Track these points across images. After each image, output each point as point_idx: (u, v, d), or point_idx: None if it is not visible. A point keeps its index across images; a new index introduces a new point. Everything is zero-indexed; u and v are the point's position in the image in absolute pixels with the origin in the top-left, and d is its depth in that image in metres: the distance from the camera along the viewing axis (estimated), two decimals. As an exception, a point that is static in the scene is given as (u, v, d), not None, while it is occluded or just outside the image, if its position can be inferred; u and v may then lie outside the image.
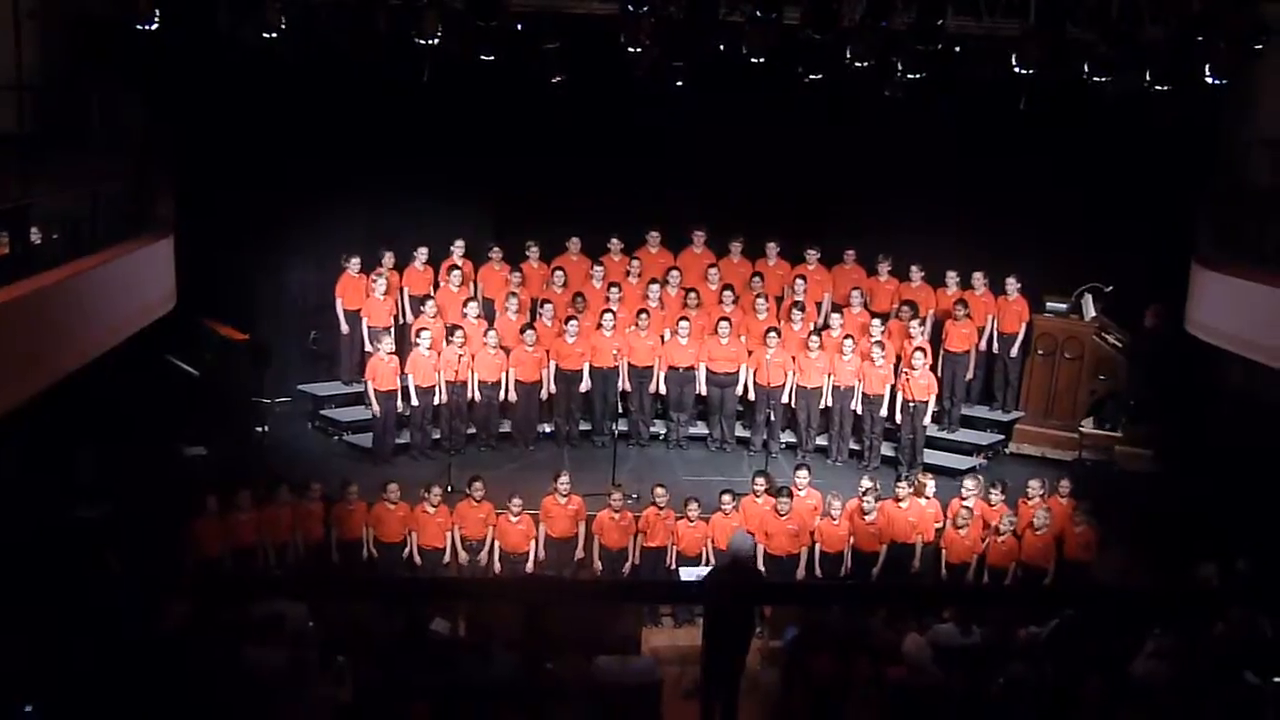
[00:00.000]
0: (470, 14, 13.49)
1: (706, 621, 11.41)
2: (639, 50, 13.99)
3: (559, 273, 16.94)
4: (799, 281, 16.91)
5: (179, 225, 15.50)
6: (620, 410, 16.34)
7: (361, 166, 16.61)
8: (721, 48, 14.32)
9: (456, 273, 16.70)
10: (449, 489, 14.31)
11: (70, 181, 13.76)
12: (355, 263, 16.59)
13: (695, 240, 17.43)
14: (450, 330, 15.89)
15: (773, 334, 16.05)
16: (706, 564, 13.73)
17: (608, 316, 16.20)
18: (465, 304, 16.26)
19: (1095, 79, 14.20)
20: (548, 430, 16.63)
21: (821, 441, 16.54)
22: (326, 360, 17.17)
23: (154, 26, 13.01)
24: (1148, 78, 14.17)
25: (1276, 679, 9.87)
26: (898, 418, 15.96)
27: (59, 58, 14.10)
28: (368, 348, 16.31)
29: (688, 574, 13.47)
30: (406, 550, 13.86)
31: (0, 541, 11.58)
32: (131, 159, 15.20)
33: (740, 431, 16.79)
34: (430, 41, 13.55)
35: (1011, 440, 17.06)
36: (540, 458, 16.12)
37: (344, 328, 16.70)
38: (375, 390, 15.57)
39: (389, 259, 16.68)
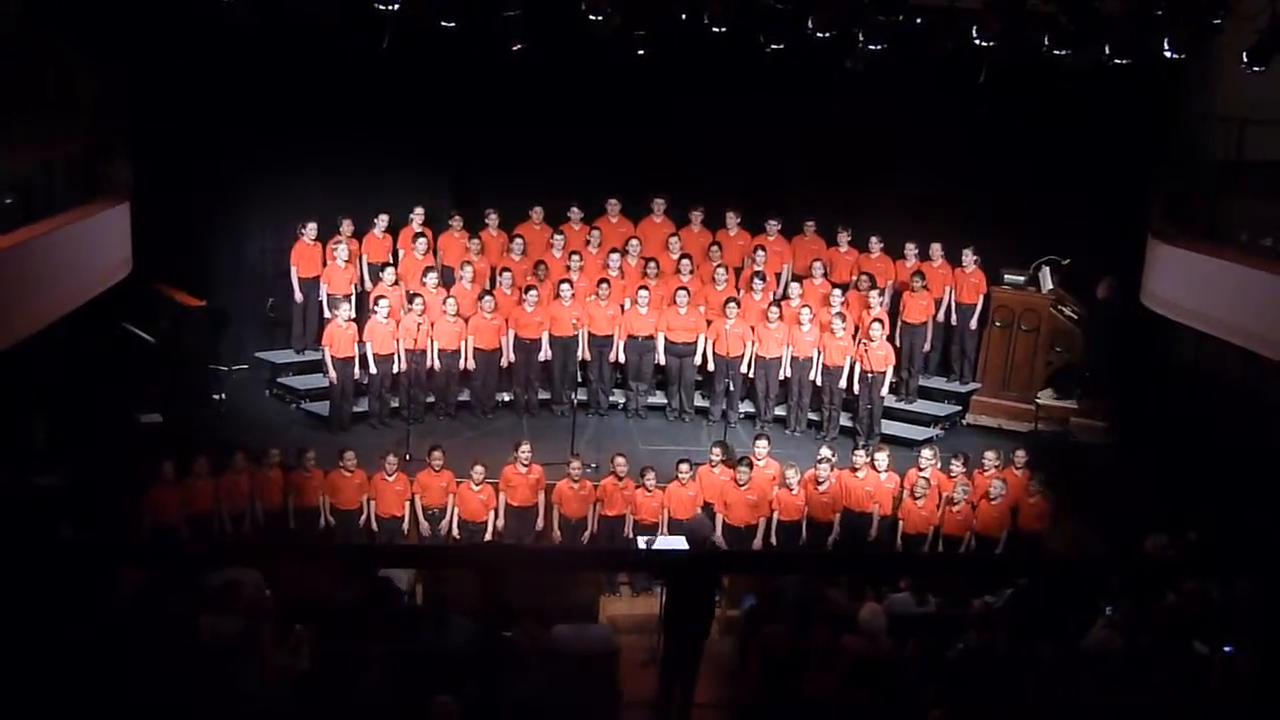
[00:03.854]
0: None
1: (667, 601, 11.47)
2: (601, 18, 13.92)
3: (517, 241, 16.89)
4: (759, 252, 16.92)
5: (135, 190, 15.35)
6: (579, 379, 16.34)
7: (320, 133, 16.45)
8: (684, 16, 14.28)
9: (423, 240, 16.63)
10: (407, 457, 14.28)
11: (24, 146, 13.59)
12: (311, 229, 16.48)
13: (655, 210, 17.42)
14: (409, 298, 15.84)
15: (732, 304, 16.07)
16: (664, 534, 13.78)
17: (566, 286, 16.18)
18: (425, 272, 16.18)
19: (1055, 52, 14.27)
20: (507, 399, 16.60)
21: (780, 412, 16.59)
22: (284, 328, 17.05)
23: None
24: (1107, 51, 14.24)
25: (1226, 649, 10.01)
26: (855, 388, 16.02)
27: (12, 21, 13.91)
28: (326, 315, 16.23)
29: (645, 543, 13.51)
30: (363, 518, 13.84)
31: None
32: (87, 123, 15.04)
33: (699, 401, 16.82)
34: (390, 7, 13.44)
35: (968, 411, 17.16)
36: (499, 426, 16.11)
37: (298, 296, 16.61)
38: (333, 357, 15.49)
39: (348, 226, 16.58)
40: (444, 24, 14.27)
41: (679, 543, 13.35)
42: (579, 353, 16.33)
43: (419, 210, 16.86)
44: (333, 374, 15.56)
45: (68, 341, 14.02)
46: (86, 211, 14.19)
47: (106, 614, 9.98)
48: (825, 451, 14.41)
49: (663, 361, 16.52)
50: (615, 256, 16.70)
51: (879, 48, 14.56)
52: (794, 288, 16.60)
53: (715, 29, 14.03)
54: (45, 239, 12.89)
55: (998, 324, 17.07)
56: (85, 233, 14.04)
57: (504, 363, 16.29)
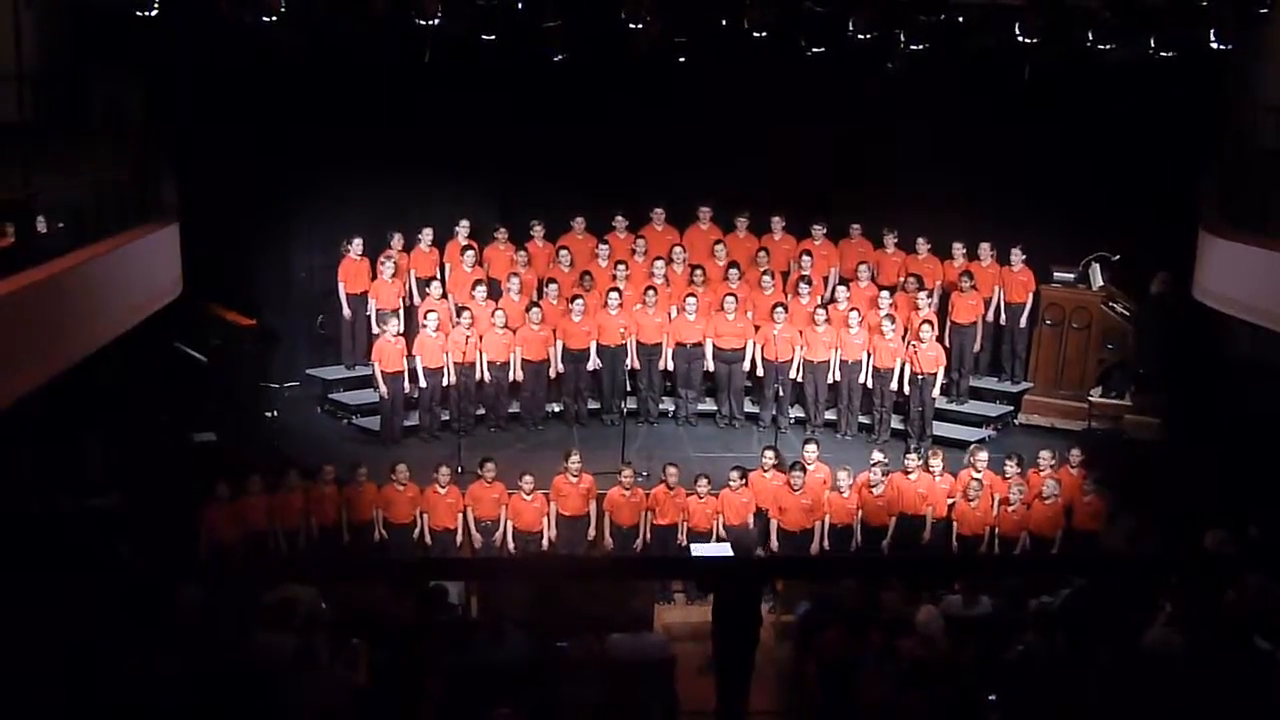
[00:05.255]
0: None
1: (713, 609, 11.46)
2: (640, 25, 13.94)
3: (564, 252, 16.91)
4: (805, 256, 16.87)
5: (184, 211, 15.47)
6: (629, 388, 16.34)
7: (365, 149, 16.53)
8: (724, 22, 14.27)
9: (470, 253, 16.69)
10: (459, 470, 14.32)
11: (73, 170, 13.73)
12: (357, 245, 16.57)
13: (701, 216, 17.39)
14: (458, 311, 15.90)
15: (779, 309, 16.03)
16: (717, 540, 13.75)
17: (614, 295, 16.19)
18: (473, 285, 16.24)
19: (1099, 46, 14.15)
20: (556, 410, 16.63)
21: (830, 416, 16.53)
22: (334, 344, 17.15)
23: (154, 13, 13.00)
24: (1152, 44, 14.12)
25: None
26: (906, 390, 15.94)
27: (59, 46, 14.07)
28: (374, 330, 16.31)
29: (699, 549, 13.49)
30: (417, 531, 13.88)
31: (11, 532, 11.60)
32: (134, 146, 15.16)
33: (749, 407, 16.78)
34: (430, 22, 13.52)
35: (1020, 411, 17.03)
36: (549, 437, 16.14)
37: (345, 312, 16.69)
38: (382, 372, 15.56)
39: (397, 241, 16.66)
40: (484, 37, 14.37)
41: (724, 549, 13.33)
42: (628, 361, 16.34)
43: (464, 223, 16.91)
44: (383, 389, 15.63)
45: (121, 363, 14.14)
46: (136, 234, 14.29)
47: (165, 633, 10.05)
48: (878, 455, 14.36)
49: (711, 368, 16.49)
50: (661, 264, 16.70)
51: (921, 48, 14.52)
52: (841, 291, 16.54)
53: (756, 33, 14.02)
54: (96, 262, 13.00)
55: (1048, 322, 16.94)
56: (135, 255, 14.15)
57: (553, 373, 16.33)
